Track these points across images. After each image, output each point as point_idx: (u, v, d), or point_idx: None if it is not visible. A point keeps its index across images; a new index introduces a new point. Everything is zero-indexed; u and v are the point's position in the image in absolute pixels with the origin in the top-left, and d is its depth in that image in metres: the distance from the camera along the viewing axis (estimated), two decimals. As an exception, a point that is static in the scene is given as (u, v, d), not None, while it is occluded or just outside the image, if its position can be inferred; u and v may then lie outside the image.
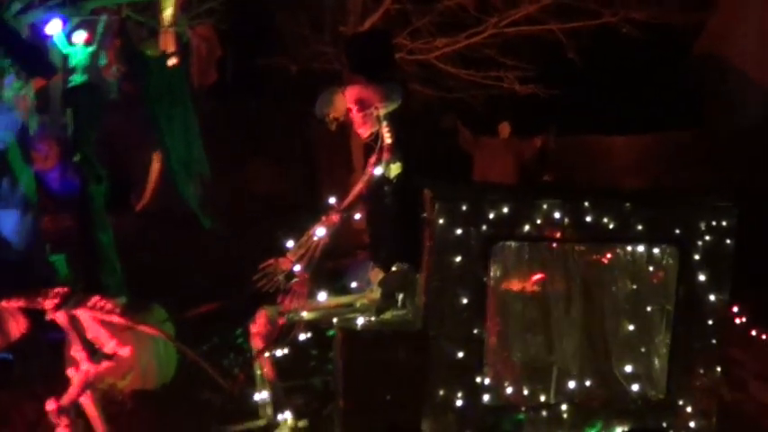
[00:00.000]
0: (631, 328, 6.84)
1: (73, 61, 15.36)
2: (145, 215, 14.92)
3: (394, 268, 6.57)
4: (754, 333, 10.61)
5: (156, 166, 14.67)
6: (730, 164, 16.27)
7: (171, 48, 14.10)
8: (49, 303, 5.79)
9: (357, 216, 6.87)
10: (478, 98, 17.95)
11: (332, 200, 6.86)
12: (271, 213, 15.76)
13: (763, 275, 9.63)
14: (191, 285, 10.49)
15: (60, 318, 5.80)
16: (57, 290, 5.85)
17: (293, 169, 17.58)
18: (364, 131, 6.78)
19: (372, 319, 6.42)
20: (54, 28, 13.02)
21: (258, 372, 6.74)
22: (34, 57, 9.46)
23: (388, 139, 6.60)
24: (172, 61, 13.99)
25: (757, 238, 6.83)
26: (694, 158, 17.46)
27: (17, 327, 7.47)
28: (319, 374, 8.35)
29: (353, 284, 7.05)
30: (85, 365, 5.81)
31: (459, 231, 6.12)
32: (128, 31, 13.98)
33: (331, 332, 8.22)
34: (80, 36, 15.08)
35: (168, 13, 13.89)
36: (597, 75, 18.33)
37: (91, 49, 15.21)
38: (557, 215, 6.27)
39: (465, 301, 6.16)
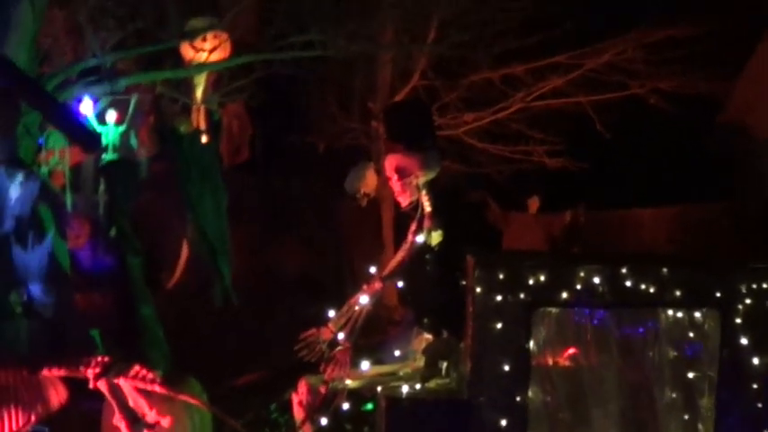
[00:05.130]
0: (674, 394, 6.78)
1: (105, 140, 15.59)
2: (175, 292, 14.98)
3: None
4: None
5: (186, 243, 14.77)
6: (760, 237, 16.20)
7: (203, 125, 14.24)
8: (91, 372, 5.79)
9: (399, 284, 6.89)
10: (506, 173, 17.97)
11: (372, 269, 6.88)
12: (299, 290, 15.79)
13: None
14: (222, 360, 10.51)
15: (103, 386, 5.78)
16: (98, 358, 5.86)
17: (322, 245, 17.61)
18: (404, 200, 6.80)
19: (417, 387, 6.40)
20: (86, 108, 13.22)
21: (302, 441, 6.70)
22: (82, 129, 9.58)
23: (428, 207, 6.63)
24: (204, 138, 14.14)
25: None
26: (723, 231, 17.40)
27: (57, 396, 7.44)
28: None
29: (396, 353, 7.03)
30: (127, 435, 5.79)
31: (499, 298, 6.12)
32: (161, 107, 14.15)
33: (368, 406, 8.21)
34: (111, 116, 15.31)
35: (200, 90, 14.04)
36: (625, 147, 18.35)
37: (122, 128, 15.44)
38: (596, 280, 6.27)
39: (507, 367, 6.14)
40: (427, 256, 6.61)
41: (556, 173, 17.62)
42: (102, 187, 13.82)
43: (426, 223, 6.60)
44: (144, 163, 15.97)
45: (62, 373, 6.03)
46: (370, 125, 16.43)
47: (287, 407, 7.67)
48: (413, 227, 6.72)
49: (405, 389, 6.33)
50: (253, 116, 17.88)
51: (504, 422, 6.15)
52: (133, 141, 16.06)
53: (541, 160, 17.34)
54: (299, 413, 6.64)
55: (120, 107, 15.33)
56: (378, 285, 6.61)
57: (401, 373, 6.66)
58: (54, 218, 9.26)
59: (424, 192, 6.68)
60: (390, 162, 6.81)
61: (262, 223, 18.24)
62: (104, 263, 10.20)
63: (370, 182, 14.48)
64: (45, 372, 6.11)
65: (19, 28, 8.81)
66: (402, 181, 6.73)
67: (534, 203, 16.83)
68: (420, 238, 6.62)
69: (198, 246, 14.45)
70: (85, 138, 8.78)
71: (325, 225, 17.25)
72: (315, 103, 17.79)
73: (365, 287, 6.64)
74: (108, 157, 14.70)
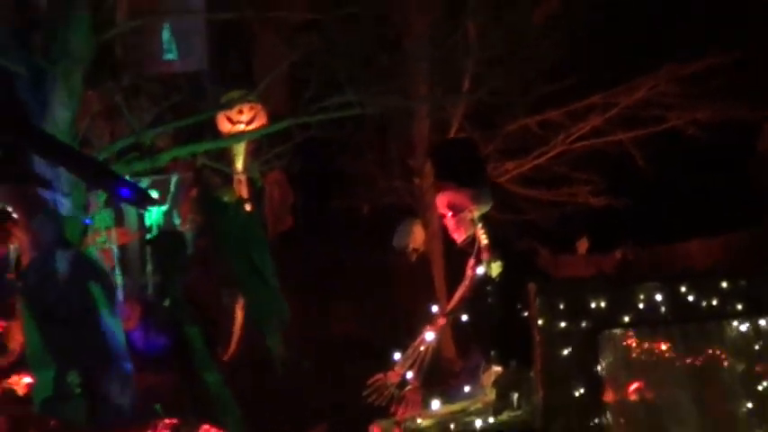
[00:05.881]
0: (748, 407, 6.67)
1: (148, 221, 15.70)
2: (231, 364, 14.97)
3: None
4: None
5: (239, 315, 14.79)
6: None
7: (245, 193, 14.35)
8: (160, 436, 5.80)
9: (464, 318, 6.86)
10: (552, 217, 17.81)
11: (434, 308, 6.86)
12: (355, 351, 15.72)
13: None
14: (289, 421, 10.50)
15: (173, 448, 5.78)
16: (166, 421, 5.86)
17: (374, 306, 17.56)
18: (459, 236, 6.80)
19: (490, 420, 6.34)
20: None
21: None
22: (131, 186, 9.65)
23: (484, 240, 6.62)
24: (248, 207, 14.25)
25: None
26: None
27: (126, 464, 7.45)
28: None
29: (466, 389, 6.98)
30: (200, 496, 5.77)
31: (562, 325, 6.08)
32: (204, 179, 14.29)
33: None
34: (153, 196, 15.40)
35: (240, 159, 14.16)
36: (667, 180, 18.22)
37: (164, 207, 15.56)
38: (657, 298, 6.22)
39: (580, 392, 6.08)
40: (488, 288, 6.59)
41: (601, 212, 17.46)
42: (149, 267, 13.91)
43: (484, 255, 6.59)
44: (189, 238, 16.08)
45: (130, 439, 6.03)
46: (412, 182, 16.42)
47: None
48: (471, 262, 6.71)
49: (478, 423, 6.28)
50: (293, 183, 17.97)
51: (582, 448, 6.10)
52: (176, 220, 16.18)
53: (586, 200, 17.20)
54: (373, 460, 6.59)
55: (162, 187, 15.48)
56: (442, 321, 6.60)
57: (472, 409, 6.61)
58: (106, 298, 9.32)
59: (479, 225, 6.68)
60: (442, 200, 6.83)
61: (310, 289, 18.24)
62: (157, 343, 10.23)
63: (417, 237, 14.56)
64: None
65: (57, 109, 8.93)
66: (456, 217, 6.74)
67: (583, 245, 16.69)
68: (480, 271, 6.60)
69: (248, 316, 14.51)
70: (137, 195, 8.82)
71: (375, 285, 17.21)
72: (354, 165, 17.81)
73: (429, 325, 6.63)
74: (152, 236, 14.80)
